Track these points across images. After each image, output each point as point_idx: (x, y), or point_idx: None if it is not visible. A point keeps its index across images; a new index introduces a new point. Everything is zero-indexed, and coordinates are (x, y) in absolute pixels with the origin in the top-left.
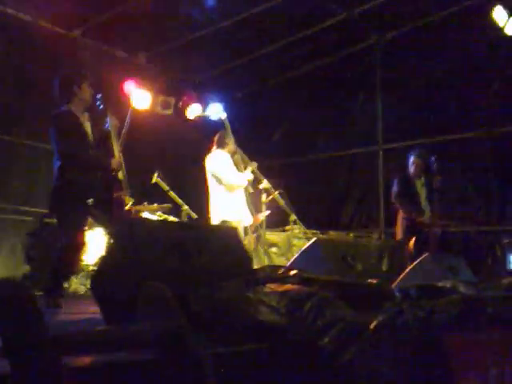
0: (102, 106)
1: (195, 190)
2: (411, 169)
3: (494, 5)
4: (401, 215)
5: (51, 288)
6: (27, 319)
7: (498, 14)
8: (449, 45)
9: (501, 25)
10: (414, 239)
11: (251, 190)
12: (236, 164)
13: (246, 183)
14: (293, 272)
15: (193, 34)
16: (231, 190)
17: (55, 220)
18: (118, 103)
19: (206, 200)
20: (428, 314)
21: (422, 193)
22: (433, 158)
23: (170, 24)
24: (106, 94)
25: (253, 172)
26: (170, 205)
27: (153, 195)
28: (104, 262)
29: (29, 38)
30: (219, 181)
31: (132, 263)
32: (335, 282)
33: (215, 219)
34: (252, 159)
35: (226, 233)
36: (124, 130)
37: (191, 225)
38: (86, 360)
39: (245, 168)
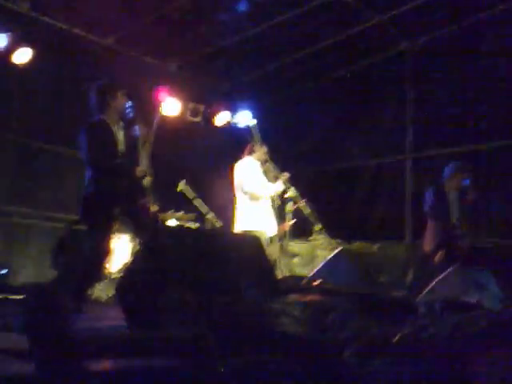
0: (131, 114)
1: (221, 198)
2: (450, 181)
3: None
4: (431, 227)
5: (75, 294)
6: (54, 323)
7: None
8: (481, 51)
9: None
10: (442, 252)
11: (279, 202)
12: (266, 173)
13: (271, 194)
14: (316, 283)
15: (223, 41)
16: (255, 200)
17: (83, 227)
18: (148, 111)
19: (232, 208)
20: (452, 330)
21: (455, 206)
22: (469, 171)
23: (200, 31)
24: (137, 102)
25: (284, 182)
26: (194, 214)
27: (179, 203)
28: (130, 268)
29: (63, 46)
30: (243, 189)
31: (157, 270)
32: (359, 293)
33: (239, 228)
34: (279, 167)
35: (250, 242)
36: (151, 138)
37: (216, 233)
38: (108, 364)
39: (276, 178)
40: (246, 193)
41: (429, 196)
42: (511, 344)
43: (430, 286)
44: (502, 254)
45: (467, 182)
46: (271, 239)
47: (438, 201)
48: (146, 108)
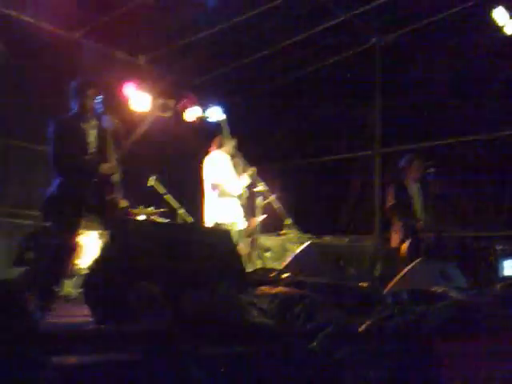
0: (101, 109)
1: (192, 193)
2: (410, 172)
3: (493, 6)
4: (394, 224)
5: (43, 290)
6: (16, 318)
7: (499, 14)
8: (448, 47)
9: (501, 24)
10: (407, 244)
11: (247, 195)
12: (235, 167)
13: (239, 191)
14: (285, 275)
15: (192, 36)
16: (222, 195)
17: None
18: (118, 105)
19: (202, 202)
20: (418, 319)
21: (418, 198)
22: (430, 163)
23: (170, 26)
24: (106, 96)
25: (251, 176)
26: (165, 209)
27: (149, 199)
28: (96, 263)
29: (30, 40)
30: (214, 185)
31: (124, 264)
32: (326, 284)
33: (209, 222)
34: (249, 162)
35: (219, 235)
36: (123, 133)
37: (184, 227)
38: (74, 359)
39: (243, 172)
40: (212, 186)
41: (390, 192)
42: (477, 333)
43: (396, 278)
44: (466, 246)
45: (431, 176)
46: (241, 233)
47: (398, 198)
48: (115, 102)
